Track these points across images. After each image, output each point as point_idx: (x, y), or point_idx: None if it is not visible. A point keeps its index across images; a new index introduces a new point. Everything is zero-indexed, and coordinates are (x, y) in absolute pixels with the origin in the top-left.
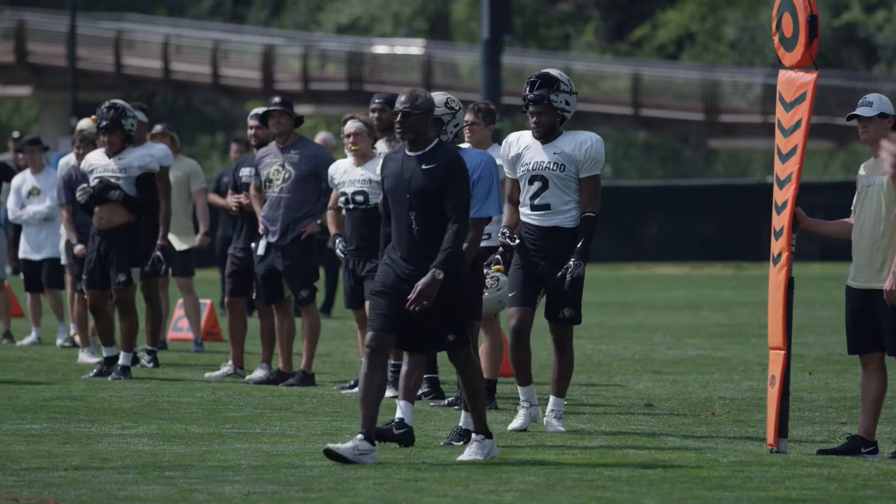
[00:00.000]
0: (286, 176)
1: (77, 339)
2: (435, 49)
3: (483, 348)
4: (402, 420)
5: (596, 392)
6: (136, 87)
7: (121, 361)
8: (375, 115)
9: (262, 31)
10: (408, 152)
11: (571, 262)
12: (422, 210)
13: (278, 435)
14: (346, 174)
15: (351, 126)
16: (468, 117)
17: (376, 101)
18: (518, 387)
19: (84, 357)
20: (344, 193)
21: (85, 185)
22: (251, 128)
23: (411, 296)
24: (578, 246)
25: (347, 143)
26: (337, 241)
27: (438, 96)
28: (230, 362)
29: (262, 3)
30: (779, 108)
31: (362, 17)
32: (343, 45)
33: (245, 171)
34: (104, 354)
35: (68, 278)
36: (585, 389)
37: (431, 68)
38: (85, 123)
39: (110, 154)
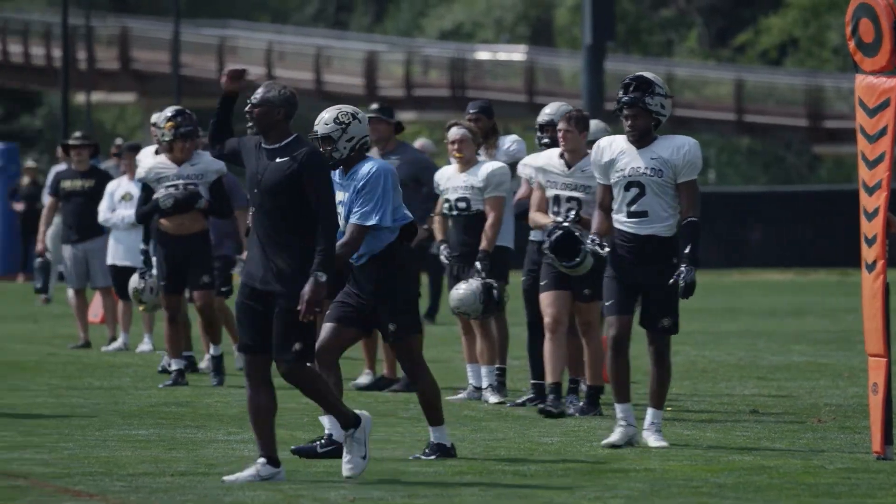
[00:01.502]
0: None
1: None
2: (537, 55)
3: (585, 356)
4: (330, 436)
5: (700, 399)
6: (240, 93)
7: (213, 351)
8: (471, 124)
9: (364, 37)
10: (263, 145)
11: (683, 268)
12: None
13: (383, 441)
14: (450, 181)
15: (455, 133)
16: (562, 125)
17: (470, 111)
18: (615, 404)
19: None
20: (447, 200)
21: (170, 190)
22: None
23: (300, 307)
24: (687, 251)
25: (452, 149)
26: (441, 247)
27: (327, 113)
28: (367, 371)
29: (364, 9)
30: (860, 113)
31: (465, 23)
32: (446, 52)
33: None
34: (174, 367)
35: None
36: (690, 396)
37: (534, 74)
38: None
39: (181, 160)
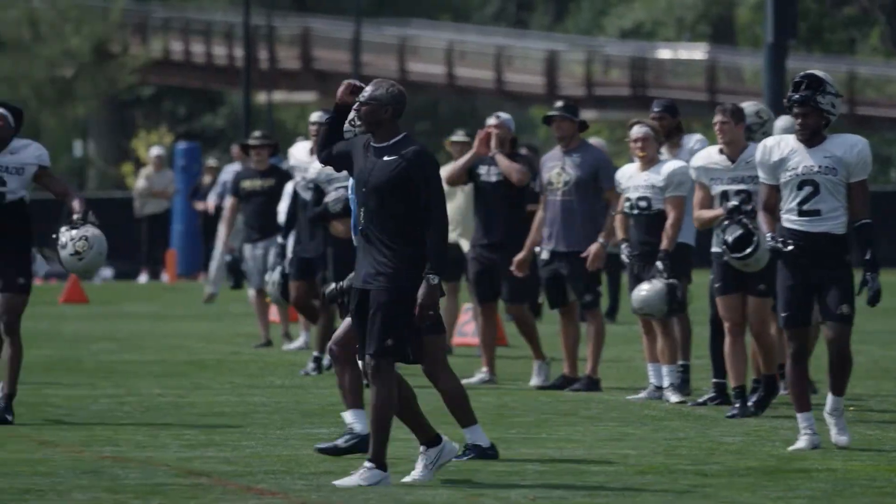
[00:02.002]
0: (566, 180)
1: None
2: (718, 53)
3: (756, 349)
4: (351, 430)
5: (883, 399)
6: (420, 92)
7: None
8: (656, 123)
9: (545, 35)
10: (372, 143)
11: (867, 276)
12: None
13: (564, 440)
14: (631, 179)
15: (638, 131)
16: (718, 118)
17: (655, 109)
18: (797, 413)
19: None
20: (628, 199)
21: (340, 192)
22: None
23: (417, 312)
24: (867, 258)
25: (634, 147)
26: (622, 245)
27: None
28: (485, 369)
29: (545, 8)
30: None
31: (646, 22)
32: (626, 50)
33: (483, 169)
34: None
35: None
36: (873, 396)
37: (715, 73)
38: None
39: None
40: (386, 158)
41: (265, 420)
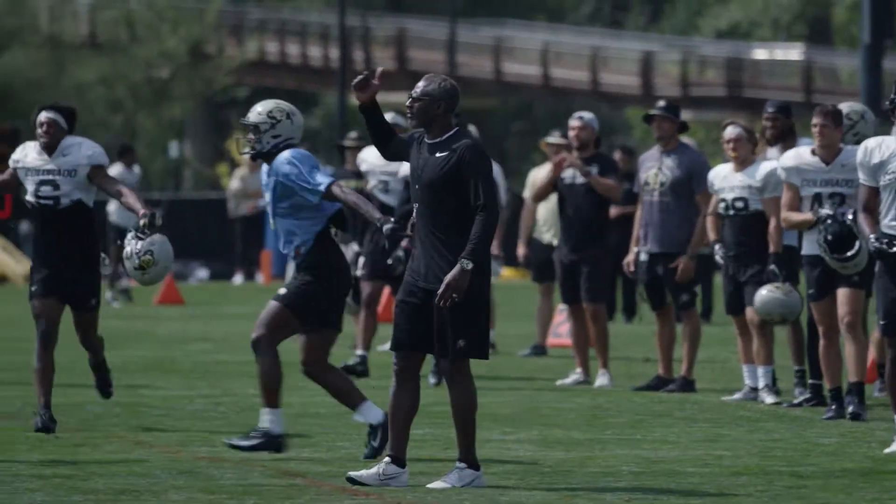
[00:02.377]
0: (663, 181)
1: None
2: (815, 54)
3: (849, 351)
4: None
5: None
6: (515, 93)
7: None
8: (769, 123)
9: (640, 36)
10: (425, 139)
11: None
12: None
13: (659, 441)
14: (726, 180)
15: (731, 132)
16: (817, 120)
17: (769, 110)
18: (895, 414)
19: None
20: (724, 199)
21: (401, 255)
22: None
23: (439, 290)
24: None
25: (727, 148)
26: (716, 246)
27: (262, 105)
28: (578, 370)
29: (640, 8)
30: None
31: (742, 23)
32: (722, 51)
33: (568, 173)
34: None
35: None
36: None
37: (811, 73)
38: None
39: None
40: (438, 154)
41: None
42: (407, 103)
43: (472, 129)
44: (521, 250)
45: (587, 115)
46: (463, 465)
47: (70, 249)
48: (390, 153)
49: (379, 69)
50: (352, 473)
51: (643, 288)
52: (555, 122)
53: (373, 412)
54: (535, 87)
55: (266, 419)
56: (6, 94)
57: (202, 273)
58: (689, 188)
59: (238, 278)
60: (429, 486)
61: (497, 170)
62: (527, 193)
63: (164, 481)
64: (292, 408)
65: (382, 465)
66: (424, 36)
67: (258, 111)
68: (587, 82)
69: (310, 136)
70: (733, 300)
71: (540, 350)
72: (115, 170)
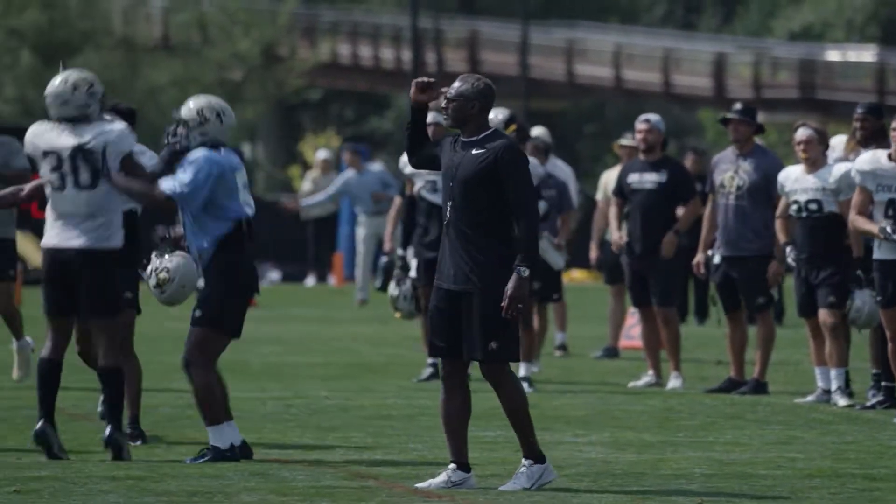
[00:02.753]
0: (739, 184)
1: None
2: (888, 56)
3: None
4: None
5: None
6: (587, 95)
7: (523, 372)
8: (858, 124)
9: (713, 38)
10: (461, 138)
11: None
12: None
13: (731, 443)
14: (798, 182)
15: (802, 133)
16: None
17: (858, 111)
18: None
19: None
20: (796, 201)
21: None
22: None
23: (504, 304)
24: None
25: (798, 150)
26: (787, 249)
27: (194, 101)
28: (650, 372)
29: (713, 10)
30: None
31: (815, 24)
32: (795, 52)
33: (634, 177)
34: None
35: None
36: None
37: (884, 75)
38: (536, 131)
39: None
40: (474, 152)
41: (431, 423)
42: (442, 104)
43: (542, 130)
44: (593, 253)
45: (653, 117)
46: (529, 461)
47: None
48: (418, 160)
49: (444, 89)
50: (419, 485)
51: (715, 290)
52: (627, 125)
53: (226, 436)
54: (608, 88)
55: (210, 437)
56: None
57: (274, 275)
58: (765, 192)
59: (310, 280)
60: (500, 488)
61: (568, 171)
62: (599, 195)
63: (236, 483)
64: (364, 409)
65: (448, 472)
66: (497, 38)
67: (190, 106)
68: (659, 84)
69: (382, 139)
70: (806, 302)
71: (612, 352)
72: None
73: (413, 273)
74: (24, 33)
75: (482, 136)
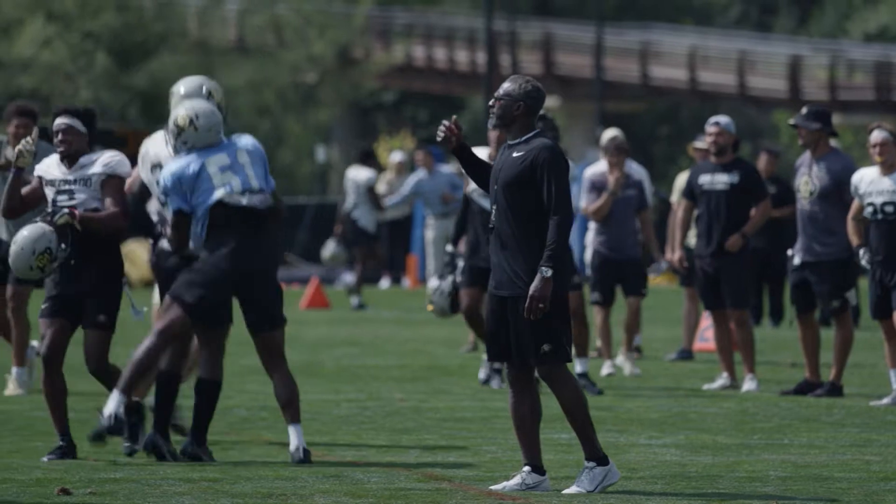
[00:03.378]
0: (811, 189)
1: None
2: None
3: None
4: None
5: None
6: (662, 97)
7: (579, 369)
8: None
9: (788, 39)
10: (508, 141)
11: None
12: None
13: (806, 446)
14: (873, 184)
15: (877, 136)
16: None
17: None
18: None
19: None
20: (871, 204)
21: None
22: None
23: (526, 304)
24: None
25: (873, 152)
26: (861, 251)
27: (183, 109)
28: (725, 374)
29: (788, 11)
30: None
31: (891, 26)
32: (871, 54)
33: (706, 179)
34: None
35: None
36: None
37: None
38: (612, 132)
39: None
40: (515, 154)
41: (506, 425)
42: (490, 103)
43: (616, 132)
44: (668, 255)
45: (723, 119)
46: (592, 463)
47: (85, 267)
48: (486, 184)
49: (453, 117)
50: (493, 487)
51: (791, 291)
52: (701, 127)
53: (112, 404)
54: (682, 90)
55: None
56: (155, 99)
57: (349, 277)
58: (838, 195)
59: (385, 282)
60: (563, 492)
61: (643, 173)
62: (674, 198)
63: (310, 485)
64: (438, 412)
65: (523, 474)
66: (571, 40)
67: (180, 114)
68: (734, 86)
69: None
70: (880, 305)
71: (686, 354)
72: (364, 174)
73: (458, 273)
74: (99, 36)
75: (526, 137)
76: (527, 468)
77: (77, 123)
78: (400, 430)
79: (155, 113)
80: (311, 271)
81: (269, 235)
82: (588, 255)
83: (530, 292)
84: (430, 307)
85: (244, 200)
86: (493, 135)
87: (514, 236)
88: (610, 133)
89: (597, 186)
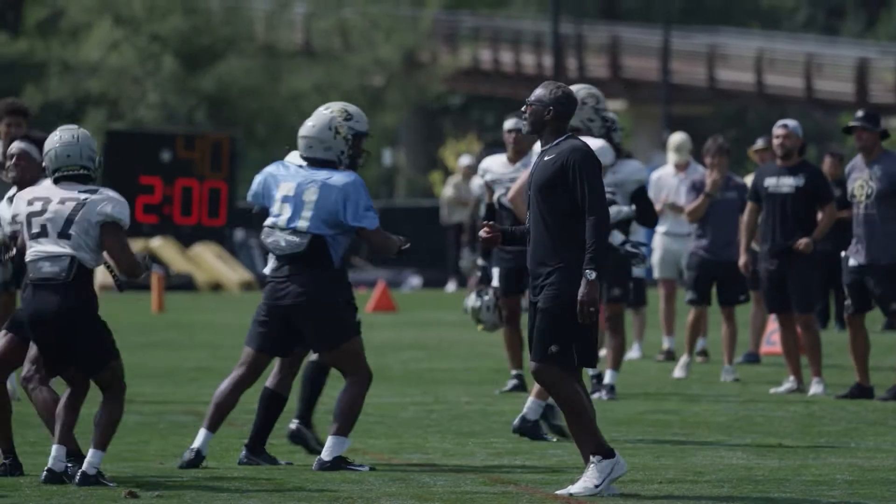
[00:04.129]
0: (868, 192)
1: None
2: None
3: None
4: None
5: None
6: (729, 100)
7: (608, 380)
8: None
9: (855, 42)
10: (541, 147)
11: None
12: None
13: (873, 450)
14: None
15: None
16: None
17: None
18: None
19: (679, 372)
20: None
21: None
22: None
23: (577, 310)
24: None
25: None
26: None
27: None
28: (791, 378)
29: (856, 14)
30: None
31: None
32: None
33: (771, 181)
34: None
35: None
36: None
37: None
38: (679, 136)
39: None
40: (547, 158)
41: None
42: (522, 108)
43: (683, 136)
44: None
45: (791, 122)
46: (597, 457)
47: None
48: None
49: (483, 228)
50: (559, 492)
51: (846, 290)
52: (768, 130)
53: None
54: (749, 94)
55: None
56: (222, 103)
57: (415, 281)
58: (894, 198)
59: (451, 286)
60: (570, 489)
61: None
62: None
63: (377, 488)
64: (504, 415)
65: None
66: (638, 43)
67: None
68: (801, 89)
69: None
70: None
71: (753, 358)
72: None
73: (495, 282)
74: (166, 40)
75: (557, 142)
76: (595, 458)
77: (32, 150)
78: (466, 433)
79: (221, 116)
80: (378, 274)
81: (302, 274)
82: (656, 258)
83: (578, 297)
84: (480, 327)
85: (270, 238)
86: (508, 137)
87: (540, 239)
88: (678, 137)
89: (697, 188)
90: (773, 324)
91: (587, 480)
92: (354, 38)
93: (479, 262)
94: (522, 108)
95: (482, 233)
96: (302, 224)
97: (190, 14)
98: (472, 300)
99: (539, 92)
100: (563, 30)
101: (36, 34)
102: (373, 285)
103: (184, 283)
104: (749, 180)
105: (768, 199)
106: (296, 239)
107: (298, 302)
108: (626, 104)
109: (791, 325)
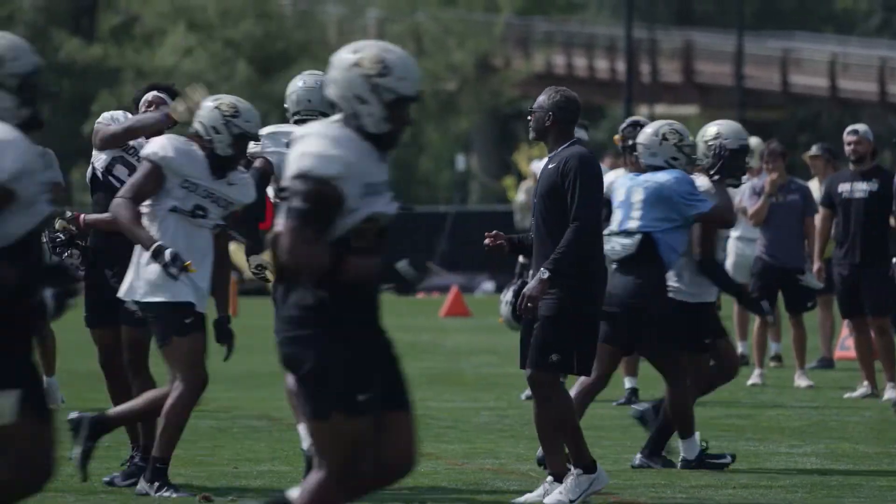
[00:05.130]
0: None
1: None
2: None
3: None
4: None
5: None
6: (802, 105)
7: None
8: None
9: None
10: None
11: None
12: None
13: None
14: None
15: None
16: None
17: None
18: None
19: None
20: None
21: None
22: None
23: (518, 302)
24: None
25: None
26: None
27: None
28: (865, 383)
29: None
30: None
31: None
32: None
33: (845, 187)
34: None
35: None
36: None
37: None
38: (753, 141)
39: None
40: (550, 166)
41: (644, 434)
42: (528, 115)
43: (756, 140)
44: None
45: (861, 127)
46: (578, 470)
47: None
48: None
49: (487, 239)
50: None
51: None
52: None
53: None
54: (823, 98)
55: None
56: None
57: (488, 285)
58: None
59: None
60: (545, 500)
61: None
62: None
63: (449, 493)
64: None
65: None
66: (712, 48)
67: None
68: (875, 94)
69: (596, 149)
70: None
71: (827, 363)
72: None
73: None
74: (240, 45)
75: (560, 148)
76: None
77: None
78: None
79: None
80: (452, 279)
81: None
82: (729, 263)
83: (524, 290)
84: (500, 319)
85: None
86: None
87: (542, 246)
88: (752, 142)
89: (757, 192)
90: (847, 328)
91: (563, 494)
92: (427, 43)
93: (521, 259)
94: (528, 116)
95: (486, 241)
96: None
97: (263, 19)
98: (504, 293)
99: (540, 98)
100: (636, 34)
101: (110, 40)
102: (446, 290)
103: (257, 287)
104: (812, 184)
105: (842, 205)
106: None
107: None
108: (698, 109)
109: (865, 329)
